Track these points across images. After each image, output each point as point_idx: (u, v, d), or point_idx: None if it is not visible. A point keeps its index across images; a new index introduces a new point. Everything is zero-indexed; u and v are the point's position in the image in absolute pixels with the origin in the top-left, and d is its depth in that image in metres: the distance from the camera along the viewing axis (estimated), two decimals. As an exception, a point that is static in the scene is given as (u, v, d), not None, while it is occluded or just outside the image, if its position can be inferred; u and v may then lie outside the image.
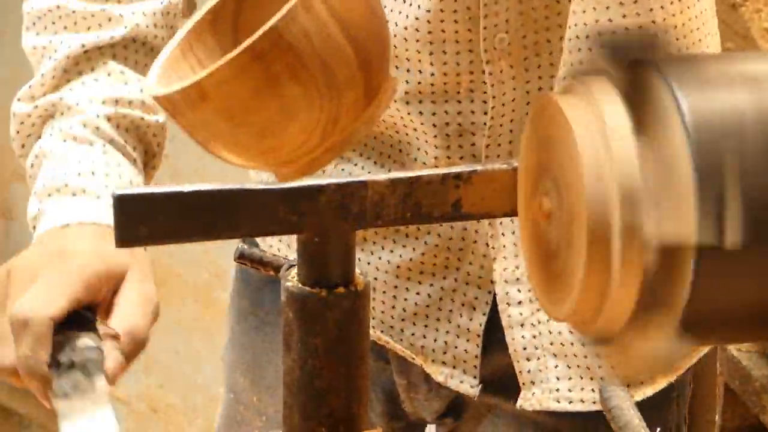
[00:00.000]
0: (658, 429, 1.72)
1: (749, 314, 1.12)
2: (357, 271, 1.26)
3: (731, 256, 1.08)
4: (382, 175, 1.24)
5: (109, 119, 1.57)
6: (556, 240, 1.15)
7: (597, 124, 1.10)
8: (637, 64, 1.12)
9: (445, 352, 1.77)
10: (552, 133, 1.14)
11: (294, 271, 1.27)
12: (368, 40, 1.20)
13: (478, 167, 1.25)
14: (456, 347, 1.76)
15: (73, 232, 1.51)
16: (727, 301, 1.10)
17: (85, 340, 1.40)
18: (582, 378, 1.74)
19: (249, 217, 1.23)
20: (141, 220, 1.21)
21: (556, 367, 1.74)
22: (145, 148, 1.62)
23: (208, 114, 1.18)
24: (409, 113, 1.70)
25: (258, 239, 1.88)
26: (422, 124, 1.70)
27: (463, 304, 1.76)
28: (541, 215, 1.16)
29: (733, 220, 1.07)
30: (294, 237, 1.29)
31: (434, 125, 1.70)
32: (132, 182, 1.56)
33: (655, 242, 1.09)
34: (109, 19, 1.59)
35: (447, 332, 1.77)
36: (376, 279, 1.82)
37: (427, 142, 1.72)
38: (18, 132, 1.62)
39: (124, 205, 1.21)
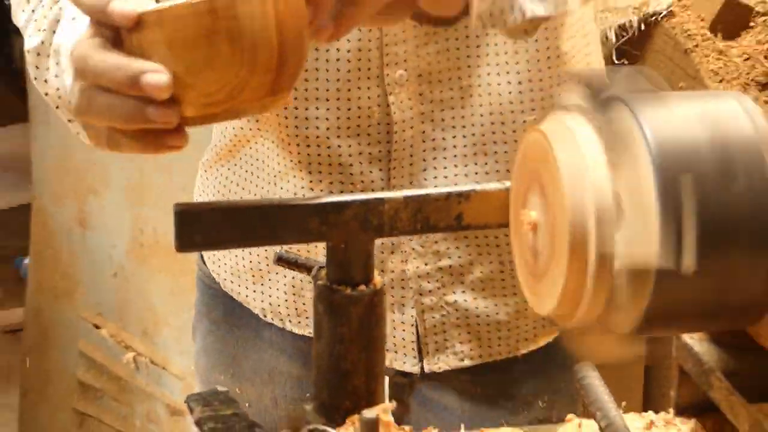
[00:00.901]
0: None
1: (699, 312, 1.11)
2: (375, 272, 1.26)
3: (684, 268, 1.08)
4: (397, 193, 1.24)
5: None
6: (542, 248, 1.14)
7: (577, 153, 1.09)
8: (610, 101, 1.11)
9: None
10: (539, 160, 1.13)
11: (323, 272, 1.26)
12: (291, 50, 1.19)
13: (477, 187, 1.25)
14: (394, 336, 1.72)
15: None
16: (680, 303, 1.09)
17: None
18: (480, 340, 1.73)
19: (286, 227, 1.23)
20: (196, 230, 1.21)
21: (459, 335, 1.73)
22: None
23: (157, 35, 1.16)
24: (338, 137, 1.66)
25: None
26: (349, 146, 1.66)
27: (393, 304, 1.71)
28: (529, 227, 1.15)
29: (690, 242, 1.06)
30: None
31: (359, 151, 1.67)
32: None
33: (624, 255, 1.08)
34: None
35: None
36: None
37: (351, 165, 1.67)
38: (38, 67, 1.48)
39: (183, 217, 1.20)
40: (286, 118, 1.64)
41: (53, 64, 1.44)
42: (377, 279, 1.25)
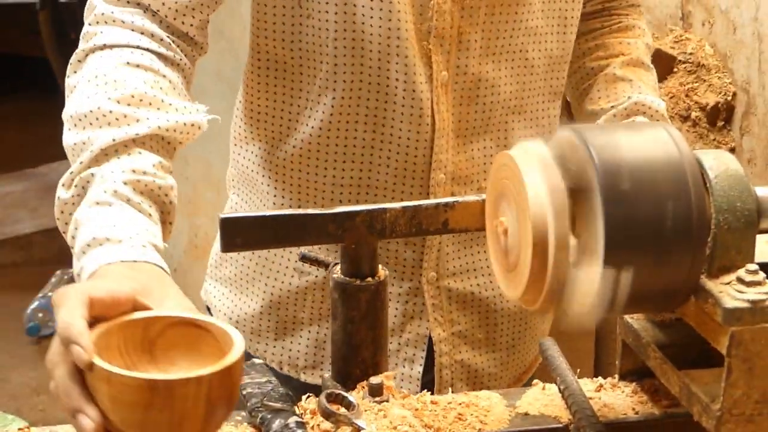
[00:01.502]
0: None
1: (636, 298, 1.11)
2: (379, 267, 1.26)
3: (625, 263, 1.08)
4: (396, 204, 1.24)
5: (125, 183, 1.29)
6: (511, 248, 1.14)
7: (538, 173, 1.09)
8: (565, 131, 1.12)
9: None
10: (509, 178, 1.13)
11: (338, 267, 1.26)
12: (215, 422, 1.07)
13: (459, 199, 1.25)
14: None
15: (102, 272, 1.21)
16: (621, 290, 1.09)
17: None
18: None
19: (309, 232, 1.23)
20: (237, 235, 1.21)
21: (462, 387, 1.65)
22: (160, 207, 1.33)
23: (103, 388, 1.04)
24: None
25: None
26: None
27: (405, 359, 1.63)
28: (501, 231, 1.15)
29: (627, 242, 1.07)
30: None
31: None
32: (147, 230, 1.27)
33: (576, 251, 1.08)
34: (137, 120, 1.34)
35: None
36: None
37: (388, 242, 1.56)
38: (62, 212, 1.34)
39: (226, 224, 1.20)
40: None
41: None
42: (381, 272, 1.25)
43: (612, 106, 1.65)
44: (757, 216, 1.12)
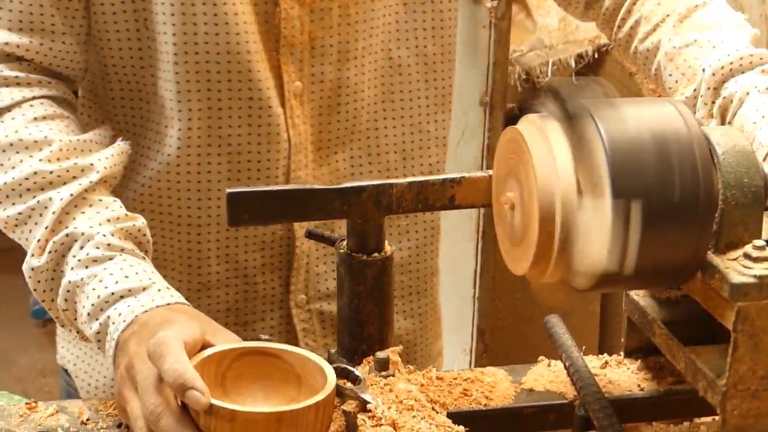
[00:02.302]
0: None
1: (643, 274, 1.10)
2: (385, 242, 1.25)
3: (631, 240, 1.07)
4: (402, 180, 1.23)
5: (112, 234, 1.28)
6: (518, 223, 1.14)
7: (546, 146, 1.08)
8: (573, 105, 1.11)
9: None
10: (516, 152, 1.12)
11: (344, 243, 1.26)
12: None
13: (466, 174, 1.24)
14: None
15: (148, 317, 1.20)
16: (629, 265, 1.08)
17: None
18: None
19: (315, 207, 1.22)
20: (244, 209, 1.20)
21: None
22: (144, 247, 1.32)
23: (226, 427, 1.06)
24: None
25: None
26: (254, 259, 1.51)
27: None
28: (507, 206, 1.14)
29: (635, 219, 1.06)
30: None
31: None
32: (154, 273, 1.27)
33: (583, 228, 1.08)
34: (81, 170, 1.31)
35: None
36: None
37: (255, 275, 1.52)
38: (38, 281, 1.30)
39: (233, 198, 1.20)
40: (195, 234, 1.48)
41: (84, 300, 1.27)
42: (387, 248, 1.24)
43: (694, 90, 1.41)
44: (765, 192, 1.12)
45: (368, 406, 1.14)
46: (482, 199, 1.23)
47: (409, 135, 1.54)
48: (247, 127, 1.42)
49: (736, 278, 1.08)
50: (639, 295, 1.29)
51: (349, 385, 1.16)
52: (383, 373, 1.20)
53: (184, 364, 1.07)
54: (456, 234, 2.93)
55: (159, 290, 1.24)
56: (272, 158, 1.44)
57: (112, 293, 1.24)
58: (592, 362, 1.33)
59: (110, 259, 1.27)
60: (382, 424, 1.12)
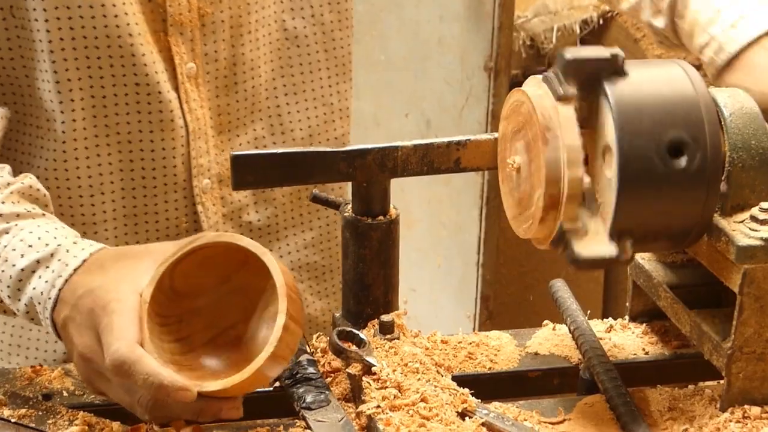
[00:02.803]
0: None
1: (650, 236, 1.10)
2: (391, 206, 1.25)
3: (642, 197, 1.07)
4: (407, 142, 1.22)
5: (2, 203, 1.20)
6: (524, 186, 1.13)
7: (552, 108, 1.08)
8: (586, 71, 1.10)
9: None
10: (522, 114, 1.12)
11: (349, 206, 1.25)
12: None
13: (471, 137, 1.23)
14: None
15: (71, 294, 1.13)
16: (635, 228, 1.08)
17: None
18: None
19: (320, 170, 1.21)
20: (249, 172, 1.20)
21: None
22: (38, 202, 1.25)
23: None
24: None
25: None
26: None
27: None
28: (513, 169, 1.14)
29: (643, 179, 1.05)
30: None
31: None
32: (48, 231, 1.19)
33: (589, 187, 1.07)
34: None
35: None
36: None
37: None
38: None
39: (238, 161, 1.19)
40: (94, 233, 1.38)
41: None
42: (392, 211, 1.24)
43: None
44: (772, 154, 1.11)
45: (373, 368, 1.14)
46: (488, 162, 1.23)
47: (313, 109, 1.50)
48: (136, 115, 1.33)
49: (742, 241, 1.08)
50: (644, 259, 1.29)
51: (353, 348, 1.16)
52: (388, 336, 1.20)
53: (155, 371, 1.04)
54: (460, 201, 2.92)
55: (67, 250, 1.16)
56: (168, 146, 1.36)
57: (22, 269, 1.17)
58: (597, 326, 1.33)
59: (6, 232, 1.19)
60: (387, 387, 1.12)
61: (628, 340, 1.31)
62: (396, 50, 2.87)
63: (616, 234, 1.06)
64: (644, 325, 1.33)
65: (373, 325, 1.23)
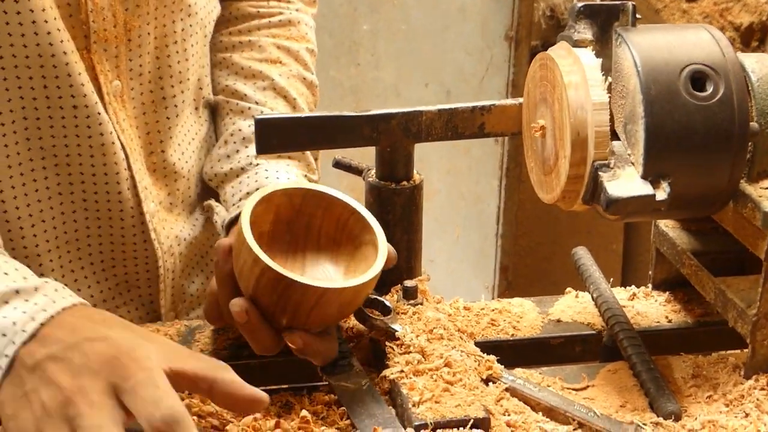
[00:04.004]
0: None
1: (675, 202, 1.09)
2: (414, 171, 1.24)
3: (664, 167, 1.06)
4: (431, 107, 1.21)
5: None
6: (549, 149, 1.12)
7: (579, 71, 1.07)
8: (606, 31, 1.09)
9: None
10: (547, 78, 1.11)
11: (372, 171, 1.25)
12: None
13: (496, 102, 1.22)
14: None
15: (58, 329, 0.97)
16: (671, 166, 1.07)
17: None
18: None
19: (344, 134, 1.21)
20: (272, 136, 1.20)
21: None
22: None
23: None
24: None
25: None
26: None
27: None
28: (538, 130, 1.13)
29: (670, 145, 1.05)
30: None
31: None
32: (18, 269, 1.05)
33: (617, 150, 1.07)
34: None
35: None
36: None
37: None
38: None
39: (261, 125, 1.19)
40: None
41: None
42: (416, 176, 1.23)
43: (231, 169, 1.38)
44: (800, 120, 1.10)
45: (396, 333, 1.13)
46: (512, 126, 1.22)
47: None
48: (74, 138, 1.24)
49: (769, 207, 1.07)
50: (668, 227, 1.28)
51: (378, 315, 1.16)
52: (411, 301, 1.19)
53: (178, 406, 0.90)
54: (480, 171, 2.92)
55: (56, 289, 1.02)
56: (111, 171, 1.27)
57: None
58: (620, 294, 1.32)
59: None
60: (410, 352, 1.11)
61: (651, 308, 1.30)
62: (416, 20, 2.86)
63: (651, 175, 1.06)
64: (667, 293, 1.33)
65: (396, 291, 1.23)
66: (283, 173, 1.34)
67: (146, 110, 1.31)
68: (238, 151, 1.39)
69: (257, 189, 1.30)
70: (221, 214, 1.35)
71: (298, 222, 1.17)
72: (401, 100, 2.92)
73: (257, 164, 1.35)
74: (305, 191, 1.16)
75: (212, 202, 1.39)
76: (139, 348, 0.94)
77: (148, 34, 1.28)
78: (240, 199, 1.34)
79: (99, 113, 1.24)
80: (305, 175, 1.37)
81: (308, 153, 1.39)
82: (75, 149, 1.25)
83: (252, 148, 1.36)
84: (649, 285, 1.34)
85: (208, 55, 1.42)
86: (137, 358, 0.93)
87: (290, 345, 1.08)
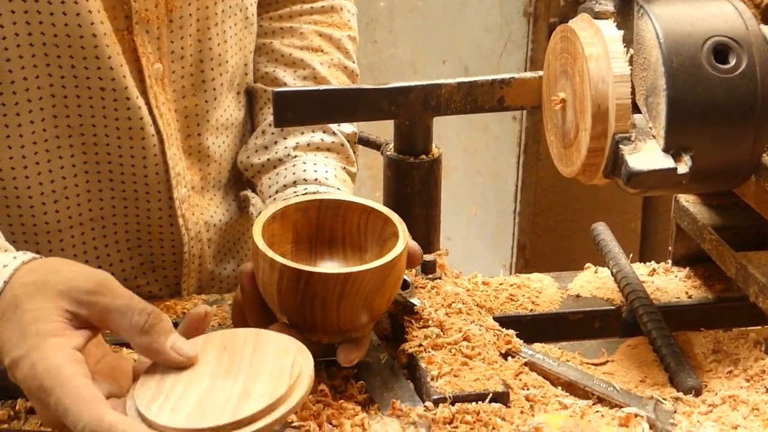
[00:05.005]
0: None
1: (697, 175, 1.08)
2: (433, 145, 1.24)
3: (686, 140, 1.05)
4: (451, 80, 1.21)
5: None
6: (569, 122, 1.12)
7: (600, 43, 1.06)
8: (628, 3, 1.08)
9: None
10: (568, 51, 1.10)
11: (390, 145, 1.24)
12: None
13: (516, 75, 1.22)
14: None
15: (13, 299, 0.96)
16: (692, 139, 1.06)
17: None
18: None
19: (362, 107, 1.20)
20: (289, 109, 1.19)
21: None
22: None
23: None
24: None
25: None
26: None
27: None
28: (559, 106, 1.12)
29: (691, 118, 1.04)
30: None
31: None
32: None
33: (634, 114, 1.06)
34: None
35: None
36: None
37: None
38: None
39: (279, 98, 1.18)
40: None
41: None
42: (435, 150, 1.23)
43: (267, 160, 1.36)
44: (823, 93, 1.09)
45: (415, 308, 1.13)
46: (532, 100, 1.21)
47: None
48: (102, 120, 1.23)
49: (792, 180, 1.06)
50: (689, 202, 1.27)
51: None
52: (430, 276, 1.19)
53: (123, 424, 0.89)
54: (497, 148, 2.91)
55: None
56: (138, 155, 1.26)
57: None
58: (639, 270, 1.32)
59: None
60: (429, 326, 1.11)
61: (671, 283, 1.30)
62: (434, -4, 2.85)
63: (672, 148, 1.05)
64: (687, 269, 1.32)
65: (415, 265, 1.22)
66: (321, 166, 1.31)
67: (186, 93, 1.29)
68: (276, 142, 1.36)
69: (294, 182, 1.29)
70: (257, 206, 1.34)
71: (319, 238, 1.13)
72: (419, 77, 2.90)
73: (295, 156, 1.33)
74: (319, 202, 1.12)
75: (248, 192, 1.39)
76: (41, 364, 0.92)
77: (190, 15, 1.25)
78: (276, 191, 1.32)
79: (128, 98, 1.22)
80: (344, 168, 1.34)
81: (348, 145, 1.34)
82: (102, 130, 1.23)
83: (290, 140, 1.34)
84: (669, 261, 1.34)
85: (251, 40, 1.39)
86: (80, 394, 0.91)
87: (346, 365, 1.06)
